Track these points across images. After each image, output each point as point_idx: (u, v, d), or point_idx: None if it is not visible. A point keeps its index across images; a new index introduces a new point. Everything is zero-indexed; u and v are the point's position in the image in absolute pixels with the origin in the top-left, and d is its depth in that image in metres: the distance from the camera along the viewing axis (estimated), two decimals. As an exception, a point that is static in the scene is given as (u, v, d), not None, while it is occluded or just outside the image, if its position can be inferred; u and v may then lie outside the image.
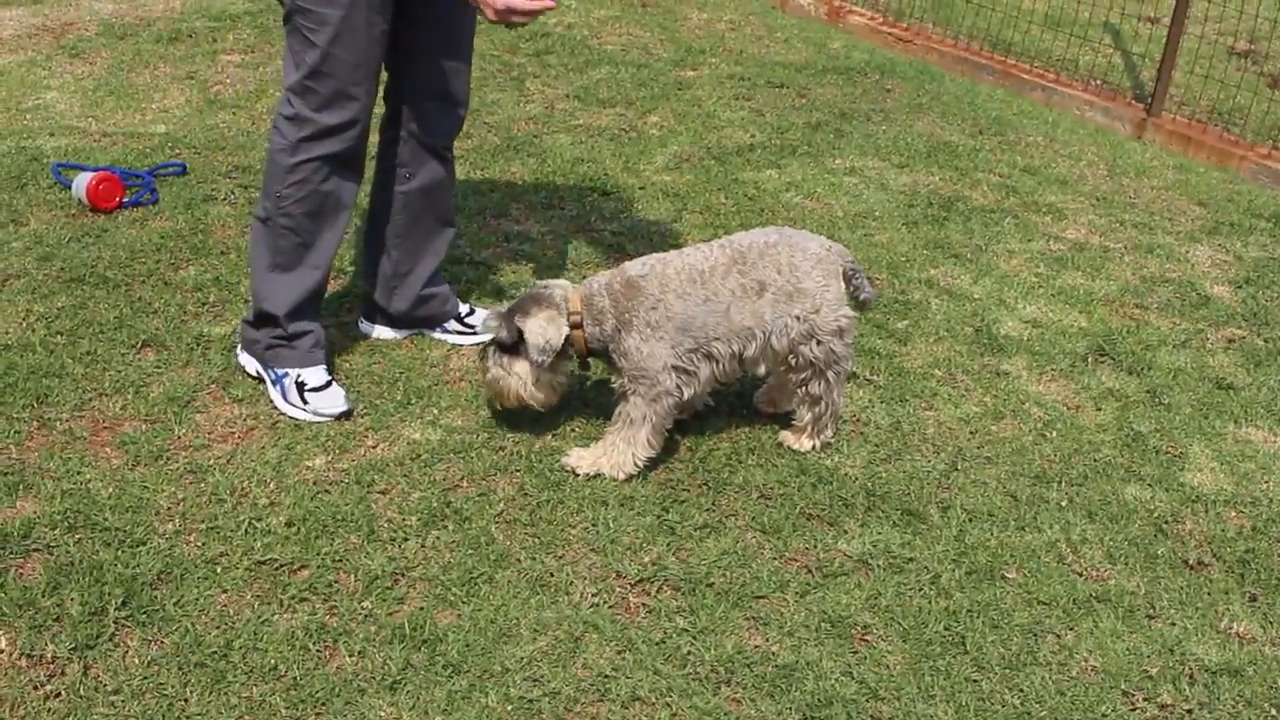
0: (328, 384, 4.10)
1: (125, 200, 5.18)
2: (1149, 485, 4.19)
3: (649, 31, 8.08)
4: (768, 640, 3.41)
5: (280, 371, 4.10)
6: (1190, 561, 3.88)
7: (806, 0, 9.21)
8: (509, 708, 3.11)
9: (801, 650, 3.38)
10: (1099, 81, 8.09)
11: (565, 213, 5.59)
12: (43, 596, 3.27)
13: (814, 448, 4.19)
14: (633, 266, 3.95)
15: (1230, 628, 3.64)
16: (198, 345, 4.36)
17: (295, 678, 3.12)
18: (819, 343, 3.99)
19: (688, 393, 3.97)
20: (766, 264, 3.93)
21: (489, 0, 3.66)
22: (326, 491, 3.76)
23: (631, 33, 8.03)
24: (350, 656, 3.21)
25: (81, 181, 5.11)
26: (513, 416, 4.11)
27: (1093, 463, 4.28)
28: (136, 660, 3.13)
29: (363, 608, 3.36)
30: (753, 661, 3.33)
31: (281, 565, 3.47)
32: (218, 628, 3.25)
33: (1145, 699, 3.37)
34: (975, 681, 3.35)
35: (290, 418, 4.04)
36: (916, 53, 8.50)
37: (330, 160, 3.92)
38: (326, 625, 3.30)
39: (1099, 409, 4.60)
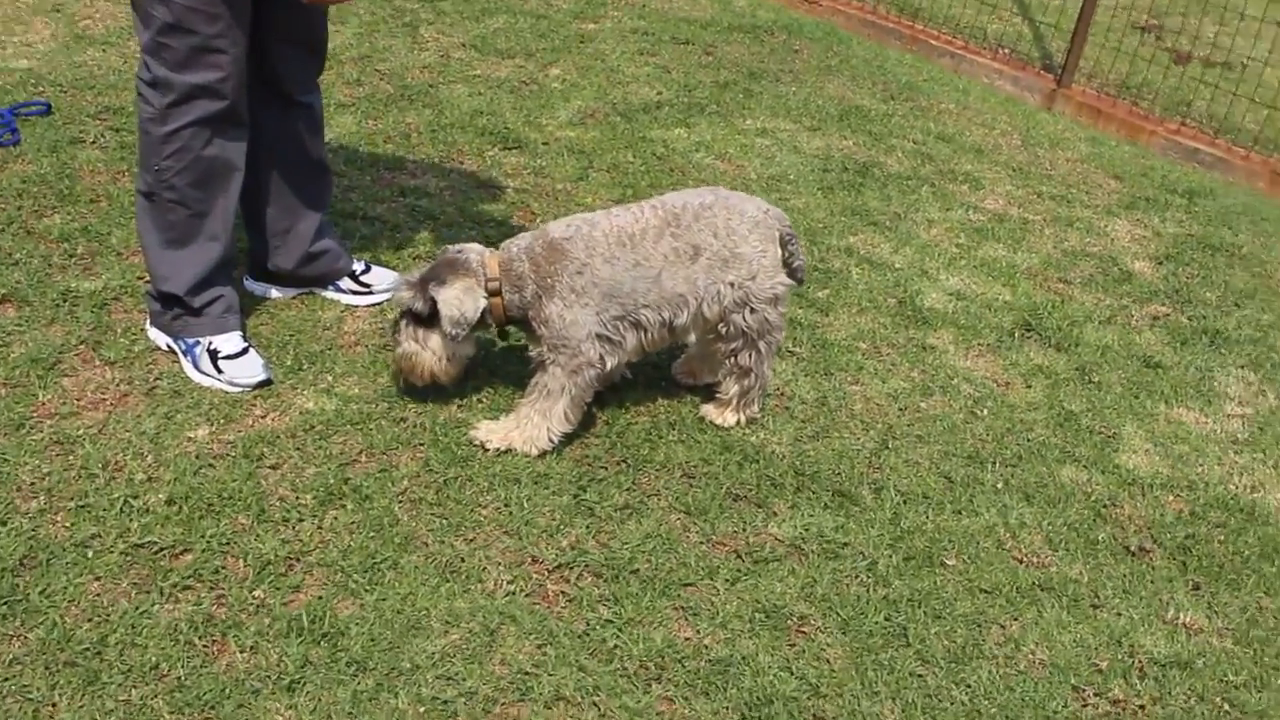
0: (244, 351, 3.78)
1: (-17, 140, 4.75)
2: (1085, 467, 4.05)
3: (547, -19, 7.76)
4: (699, 633, 3.18)
5: (190, 341, 3.77)
6: (1131, 548, 3.74)
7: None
8: (421, 709, 2.85)
9: (736, 643, 3.16)
10: (1008, 50, 7.98)
11: (464, 168, 5.28)
12: (-112, 584, 2.91)
13: (739, 423, 3.97)
14: (556, 228, 3.68)
15: (1177, 618, 3.51)
16: (64, 301, 3.99)
17: (179, 678, 2.82)
18: (753, 311, 3.75)
19: (611, 363, 3.71)
20: (702, 227, 3.69)
21: None
22: (211, 466, 3.44)
23: (529, -19, 7.70)
24: (241, 652, 2.91)
25: (-68, 119, 4.67)
26: (415, 387, 3.81)
27: (1026, 443, 4.12)
28: (-4, 658, 2.79)
29: (254, 597, 3.06)
30: (684, 656, 3.10)
31: (162, 549, 3.15)
32: (90, 620, 2.93)
33: (1096, 694, 3.22)
34: (920, 676, 3.17)
35: (195, 388, 3.72)
36: (823, 14, 8.31)
37: (207, 122, 3.57)
38: (214, 617, 2.99)
39: (1029, 386, 4.45)
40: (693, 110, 6.24)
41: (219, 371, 3.72)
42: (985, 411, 4.26)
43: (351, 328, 4.13)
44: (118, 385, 3.70)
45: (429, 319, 3.61)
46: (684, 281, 3.66)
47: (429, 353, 3.67)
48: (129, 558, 3.11)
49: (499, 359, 4.07)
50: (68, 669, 2.79)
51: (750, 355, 3.83)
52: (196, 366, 3.74)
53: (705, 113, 6.28)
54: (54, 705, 2.71)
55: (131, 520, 3.22)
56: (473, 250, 3.67)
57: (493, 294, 3.61)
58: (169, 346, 3.82)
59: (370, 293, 4.23)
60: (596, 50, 6.84)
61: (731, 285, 3.71)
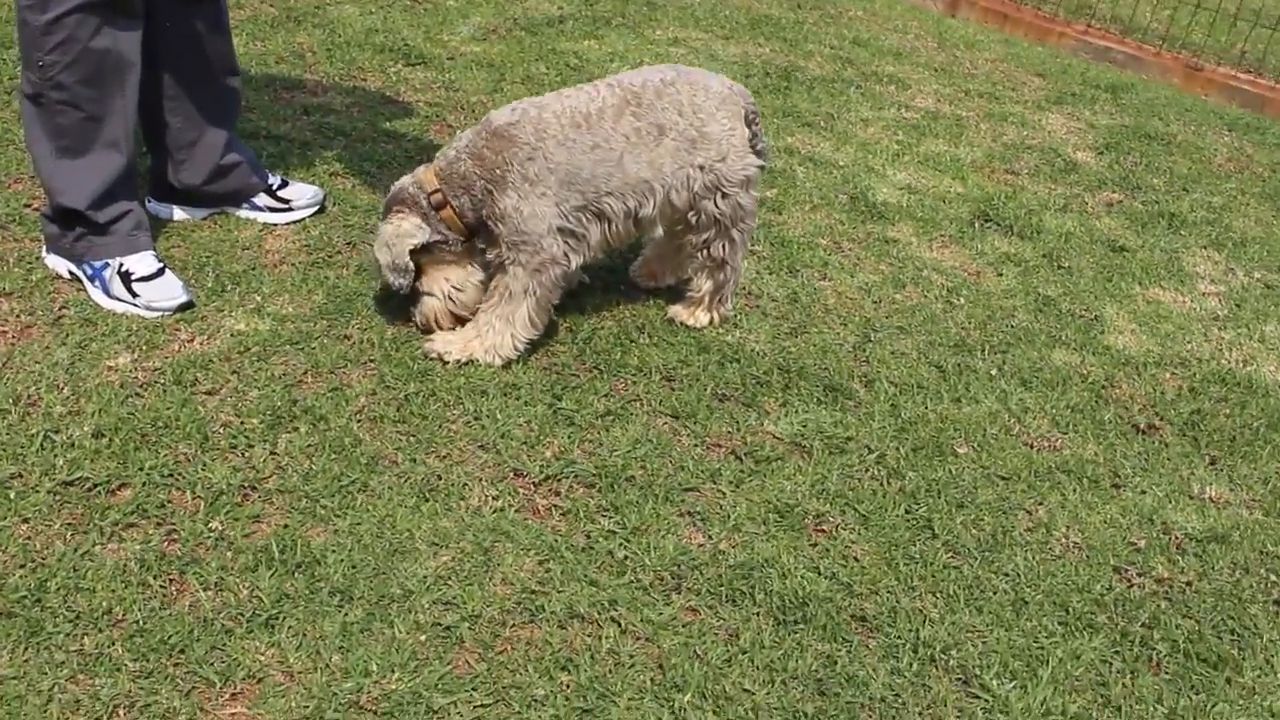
0: (159, 271, 3.37)
1: None
2: (1075, 350, 3.84)
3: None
4: (711, 538, 2.88)
5: (98, 264, 3.35)
6: (1140, 426, 3.53)
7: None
8: (422, 638, 2.50)
9: (754, 546, 2.87)
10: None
11: (368, 85, 4.88)
12: None
13: (713, 322, 3.66)
14: (499, 115, 3.32)
15: (1203, 492, 3.31)
16: (-56, 230, 3.52)
17: (137, 622, 2.44)
18: (724, 196, 3.44)
19: (575, 261, 3.37)
20: (665, 105, 3.36)
21: None
22: (138, 395, 3.03)
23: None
24: (205, 590, 2.53)
25: None
26: (352, 302, 3.45)
27: (1010, 329, 3.89)
28: (-84, 613, 2.37)
29: (210, 530, 2.68)
30: (701, 563, 2.79)
31: (95, 485, 2.75)
32: (23, 567, 2.52)
33: (1139, 574, 2.99)
34: (955, 568, 2.91)
35: (114, 311, 3.30)
36: (711, -68, 7.99)
37: (94, 8, 3.13)
38: (167, 554, 2.61)
39: (999, 274, 4.22)
40: (598, 23, 5.90)
41: (134, 295, 3.30)
42: (962, 300, 4.02)
43: (274, 246, 3.73)
44: (18, 316, 3.27)
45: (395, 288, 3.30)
46: (648, 166, 3.34)
47: (430, 299, 3.36)
48: (58, 496, 2.70)
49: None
50: (4, 619, 2.38)
51: (723, 246, 3.52)
52: (107, 291, 3.31)
53: (612, 25, 5.94)
54: (-6, 663, 2.30)
55: (56, 456, 2.80)
56: (405, 178, 3.32)
57: (439, 206, 3.26)
58: (71, 273, 3.39)
59: (290, 208, 3.82)
60: (488, -31, 6.43)
61: (701, 168, 3.39)
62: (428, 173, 3.29)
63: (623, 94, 3.35)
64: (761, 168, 3.56)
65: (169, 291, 3.33)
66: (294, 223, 3.82)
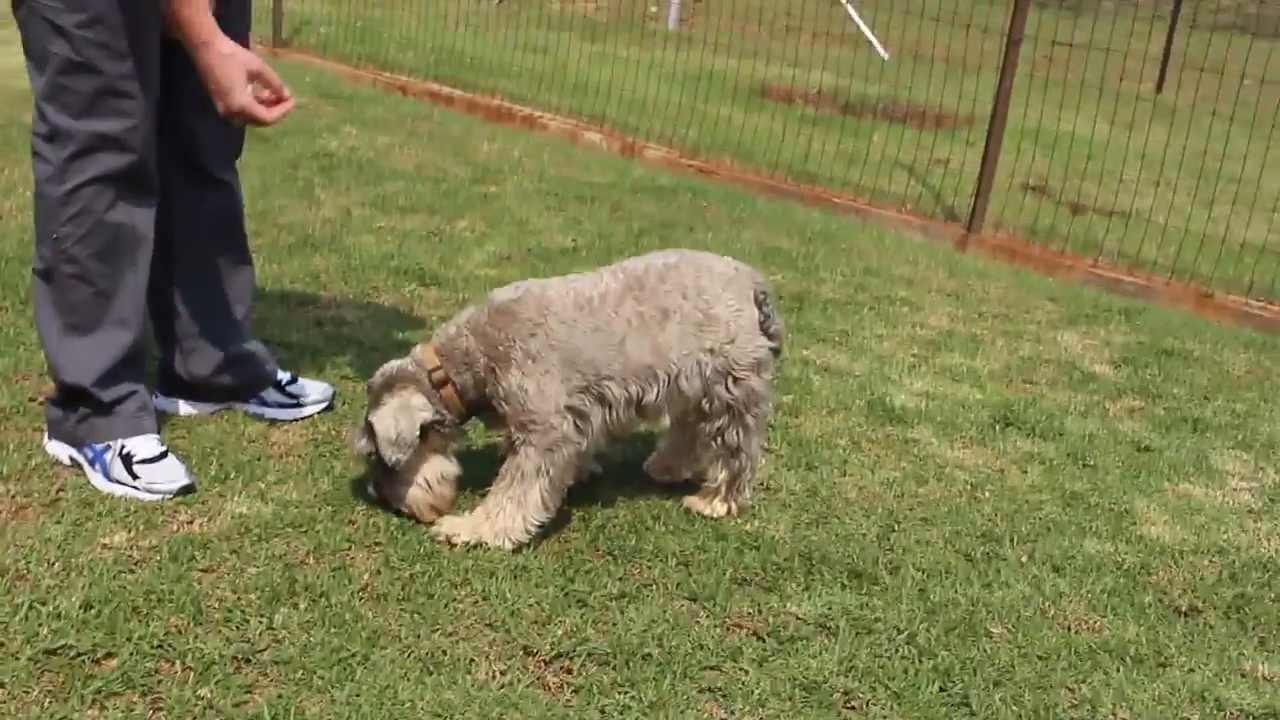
0: (162, 455, 3.29)
1: None
2: (1107, 540, 3.70)
3: (440, 156, 7.54)
4: (734, 713, 2.71)
5: (99, 446, 3.27)
6: (1182, 609, 3.37)
7: (598, 137, 8.85)
8: (422, 806, 2.30)
9: (779, 721, 2.67)
10: (910, 207, 7.90)
11: (382, 301, 4.89)
12: None
13: (729, 512, 3.55)
14: (501, 292, 3.30)
15: (1255, 670, 3.13)
16: (-56, 420, 3.46)
17: (115, 785, 2.24)
18: (736, 380, 3.37)
19: (585, 442, 3.28)
20: (669, 288, 3.32)
21: (224, 96, 3.08)
22: (132, 570, 2.92)
23: (422, 155, 7.47)
24: (190, 756, 2.34)
25: None
26: (358, 490, 3.36)
27: (1038, 520, 3.76)
28: (-123, 773, 2.20)
29: (199, 697, 2.52)
30: (723, 737, 2.60)
31: (80, 654, 2.61)
32: (-3, 729, 2.34)
33: (1195, 753, 2.77)
34: (997, 744, 2.70)
35: (112, 496, 3.22)
36: (721, 181, 8.18)
37: (112, 180, 3.14)
38: (151, 721, 2.43)
39: (1024, 471, 4.11)
40: (612, 253, 5.95)
41: (134, 477, 3.22)
42: (988, 494, 3.90)
43: (279, 439, 3.66)
44: (12, 498, 3.18)
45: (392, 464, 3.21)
46: (651, 351, 3.27)
47: (416, 488, 3.26)
48: (39, 665, 2.56)
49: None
50: (-28, 782, 2.20)
51: (737, 432, 3.43)
52: (107, 475, 3.23)
53: (625, 255, 5.97)
54: (-44, 823, 2.11)
55: (40, 625, 2.67)
56: (396, 360, 3.27)
57: (440, 384, 3.20)
58: (72, 459, 3.30)
59: (299, 404, 3.76)
60: (503, 206, 6.56)
61: (710, 352, 3.33)
62: (427, 350, 3.24)
63: (625, 279, 3.32)
64: (775, 351, 3.49)
65: (171, 474, 3.24)
66: (303, 418, 3.74)
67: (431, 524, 3.25)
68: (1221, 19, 14.70)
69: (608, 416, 3.30)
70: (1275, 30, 12.24)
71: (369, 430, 3.20)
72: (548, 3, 13.01)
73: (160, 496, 3.20)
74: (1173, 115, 8.25)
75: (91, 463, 3.25)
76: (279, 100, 3.17)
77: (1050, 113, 8.14)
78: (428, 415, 3.18)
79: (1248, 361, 5.57)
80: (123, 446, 3.23)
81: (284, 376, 3.77)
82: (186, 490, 3.24)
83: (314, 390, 3.79)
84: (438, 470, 3.26)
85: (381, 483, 3.27)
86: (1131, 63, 7.95)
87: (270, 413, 3.73)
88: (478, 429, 3.58)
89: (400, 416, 3.16)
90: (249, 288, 3.70)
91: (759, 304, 3.46)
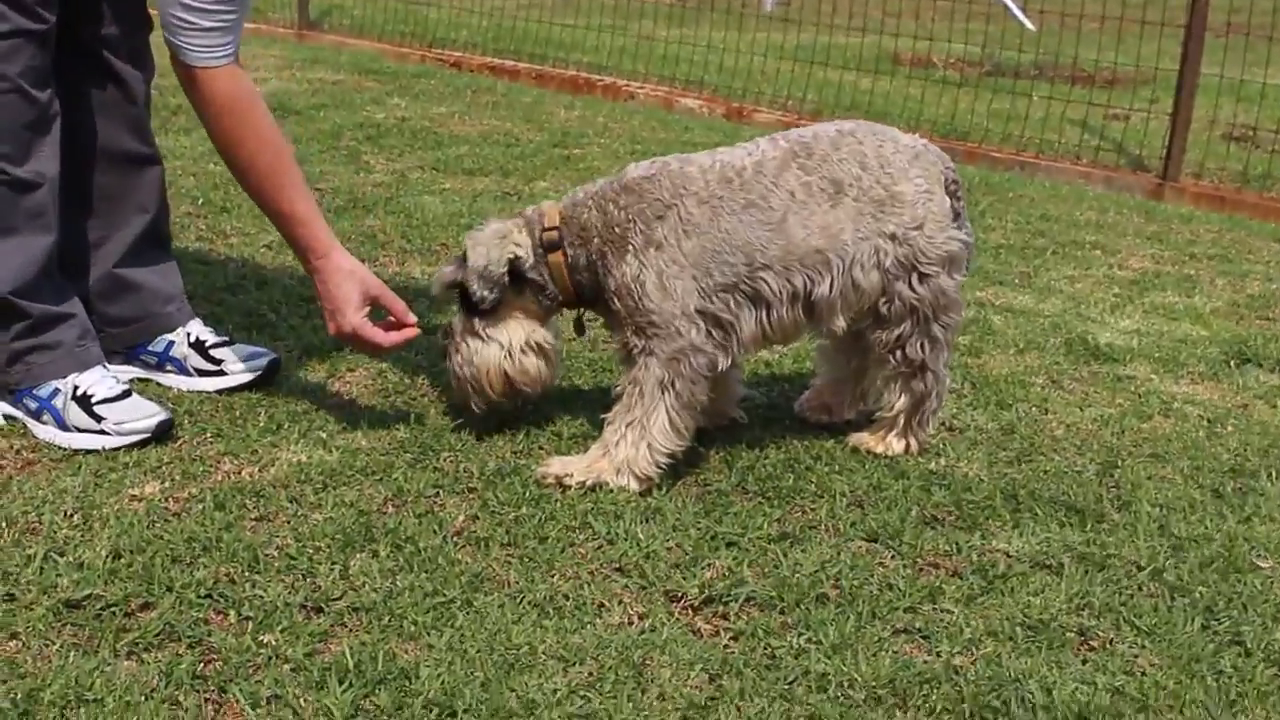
0: (124, 393, 3.16)
1: None
2: (1392, 471, 3.46)
3: (509, 122, 7.48)
4: (941, 655, 2.53)
5: (44, 392, 3.13)
6: None
7: (696, 103, 8.75)
8: (554, 751, 2.14)
9: (1001, 662, 2.50)
10: (1086, 160, 7.70)
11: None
12: None
13: (908, 449, 3.37)
14: (636, 167, 3.19)
15: None
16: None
17: (163, 734, 2.11)
18: (923, 277, 3.18)
19: (722, 360, 3.11)
20: (843, 156, 3.16)
21: (334, 315, 3.14)
22: (169, 520, 2.82)
23: (486, 123, 7.42)
24: (256, 708, 2.23)
25: None
26: (442, 436, 3.23)
27: (1299, 454, 3.54)
28: None
29: (261, 645, 2.39)
30: (931, 679, 2.44)
31: (110, 605, 2.50)
32: (4, 681, 2.24)
33: None
34: (1287, 681, 2.49)
35: (84, 450, 3.07)
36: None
37: (28, 46, 3.00)
38: (202, 673, 2.32)
39: (1274, 406, 3.90)
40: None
41: (97, 420, 3.08)
42: (1230, 429, 3.71)
43: (340, 388, 3.59)
44: (17, 453, 3.09)
45: (474, 304, 3.09)
46: (821, 232, 3.10)
47: (492, 345, 3.13)
48: (59, 617, 2.46)
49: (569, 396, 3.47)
50: (-17, 727, 2.08)
51: (922, 344, 3.25)
52: (62, 423, 3.10)
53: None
54: (-35, 771, 1.99)
55: (59, 576, 2.57)
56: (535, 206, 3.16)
57: (550, 247, 3.07)
58: (7, 418, 3.17)
59: (222, 372, 3.50)
60: (589, 166, 6.46)
61: (893, 238, 3.15)
62: (553, 208, 3.13)
63: (789, 146, 3.17)
64: (968, 245, 3.31)
65: (143, 409, 3.12)
66: (223, 390, 3.48)
67: (545, 462, 3.10)
68: None
69: (765, 320, 3.12)
70: None
71: (461, 259, 3.08)
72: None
73: (137, 438, 3.07)
74: None
75: (36, 414, 3.11)
76: (399, 325, 3.20)
77: (1242, 69, 7.89)
78: (525, 256, 3.07)
79: None
80: (75, 387, 3.10)
81: (207, 334, 3.53)
82: (163, 428, 3.11)
83: (242, 356, 3.52)
84: (525, 334, 3.15)
85: (458, 332, 3.16)
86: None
87: (170, 379, 3.50)
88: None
89: (494, 244, 3.05)
90: (154, 191, 3.47)
91: (949, 190, 3.28)
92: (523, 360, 3.13)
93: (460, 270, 3.11)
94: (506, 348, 3.11)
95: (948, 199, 3.25)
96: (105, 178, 3.35)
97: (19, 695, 2.18)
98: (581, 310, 3.26)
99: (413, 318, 3.21)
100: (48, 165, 3.09)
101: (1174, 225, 6.19)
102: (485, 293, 3.06)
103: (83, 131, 3.28)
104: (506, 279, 3.08)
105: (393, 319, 3.20)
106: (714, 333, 3.08)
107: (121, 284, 3.44)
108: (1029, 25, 11.49)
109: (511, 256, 3.07)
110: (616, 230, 3.04)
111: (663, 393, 3.03)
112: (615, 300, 3.06)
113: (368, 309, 3.14)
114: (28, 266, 3.09)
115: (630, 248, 3.03)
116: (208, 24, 2.95)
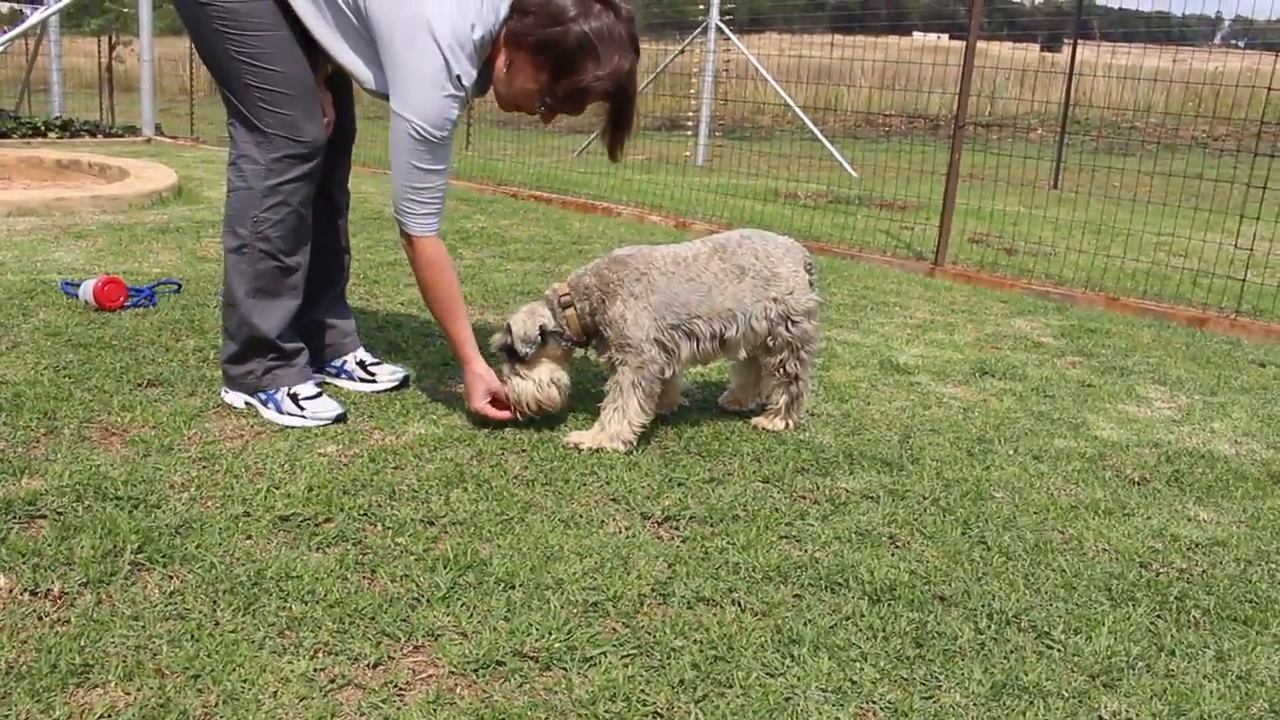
0: (319, 394, 3.10)
1: (127, 303, 4.11)
2: (1070, 439, 3.44)
3: (546, 230, 7.40)
4: (807, 551, 2.47)
5: (272, 391, 3.07)
6: (1134, 480, 3.11)
7: (658, 219, 8.67)
8: (574, 610, 2.09)
9: (845, 555, 2.46)
10: (888, 253, 7.65)
11: (514, 311, 4.68)
12: (50, 547, 2.15)
13: (788, 427, 3.31)
14: (620, 250, 3.12)
15: (1196, 516, 2.85)
16: (201, 383, 3.31)
17: (337, 598, 2.07)
18: (794, 323, 3.16)
19: (668, 370, 3.06)
20: (745, 252, 3.13)
21: (467, 398, 3.07)
22: (342, 467, 2.74)
23: (533, 230, 7.34)
24: (393, 581, 2.16)
25: (88, 284, 4.06)
26: (532, 417, 3.16)
27: (1016, 429, 3.51)
28: (157, 592, 2.04)
29: (398, 543, 2.33)
30: (802, 565, 2.38)
31: (305, 519, 2.42)
32: (244, 564, 2.18)
33: (1162, 566, 2.54)
34: (1011, 565, 2.47)
35: (288, 427, 3.00)
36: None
37: (306, 179, 2.97)
38: (362, 561, 2.24)
39: (1001, 400, 3.85)
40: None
41: (301, 410, 3.02)
42: (976, 414, 3.65)
43: (446, 391, 3.46)
44: (252, 427, 3.01)
45: (516, 352, 3.01)
46: (732, 298, 3.07)
47: (529, 382, 3.03)
48: (276, 526, 2.38)
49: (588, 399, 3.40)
50: (228, 595, 2.03)
51: (794, 363, 3.21)
52: (279, 409, 3.04)
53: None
54: (216, 622, 1.94)
55: (276, 501, 2.49)
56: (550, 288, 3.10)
57: (565, 306, 3.01)
58: (247, 404, 3.11)
59: (374, 380, 3.40)
60: (594, 255, 6.25)
61: (774, 300, 3.12)
62: (563, 285, 3.07)
63: (712, 245, 3.14)
64: (820, 304, 3.27)
65: (329, 406, 3.07)
66: (376, 392, 3.37)
67: (571, 434, 3.03)
68: (1099, 144, 14.40)
69: (696, 348, 3.09)
70: (1125, 149, 12.02)
71: (508, 329, 3.02)
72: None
73: (323, 422, 3.01)
74: (1072, 199, 7.96)
75: (265, 403, 3.06)
76: (508, 410, 3.10)
77: (980, 200, 7.85)
78: (548, 323, 3.01)
79: (1152, 335, 5.28)
80: (290, 389, 3.05)
81: (367, 357, 3.48)
82: (340, 418, 3.04)
83: (388, 372, 3.45)
84: (549, 373, 3.07)
85: (508, 373, 3.08)
86: (1029, 170, 7.66)
87: (344, 384, 3.41)
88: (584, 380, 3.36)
89: (528, 318, 2.99)
90: (343, 270, 3.42)
91: (807, 270, 3.25)
92: (548, 390, 3.06)
93: (507, 336, 3.04)
94: (538, 383, 3.04)
95: (807, 275, 3.21)
96: (321, 260, 3.29)
97: (252, 573, 2.11)
98: (587, 346, 3.18)
99: (519, 415, 3.11)
100: (304, 256, 3.06)
101: (941, 293, 6.14)
102: (526, 350, 3.00)
103: (314, 234, 3.21)
104: (539, 339, 3.02)
105: (500, 400, 3.10)
106: (665, 353, 3.04)
107: (323, 326, 3.39)
108: (853, 173, 11.47)
109: (541, 325, 3.01)
110: (609, 287, 3.00)
111: (634, 389, 2.99)
112: (606, 330, 3.01)
113: (489, 396, 3.06)
114: (285, 319, 3.06)
115: (619, 296, 2.98)
116: (426, 210, 2.87)
